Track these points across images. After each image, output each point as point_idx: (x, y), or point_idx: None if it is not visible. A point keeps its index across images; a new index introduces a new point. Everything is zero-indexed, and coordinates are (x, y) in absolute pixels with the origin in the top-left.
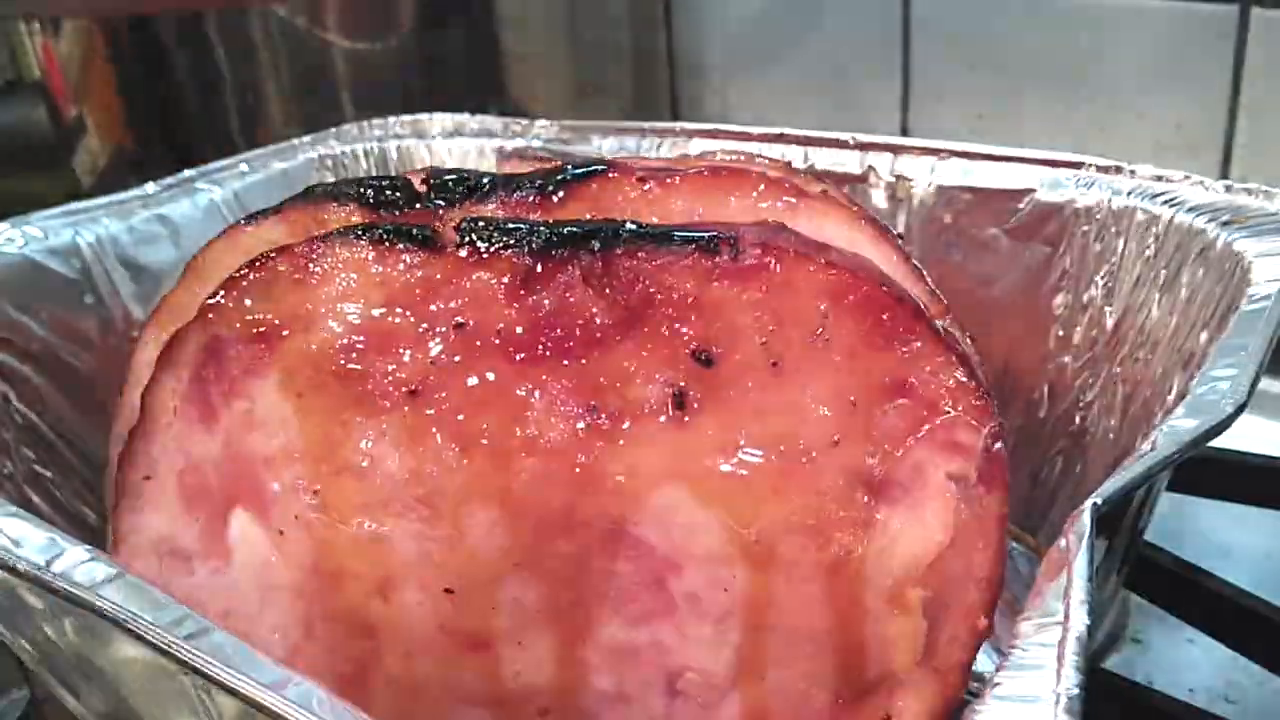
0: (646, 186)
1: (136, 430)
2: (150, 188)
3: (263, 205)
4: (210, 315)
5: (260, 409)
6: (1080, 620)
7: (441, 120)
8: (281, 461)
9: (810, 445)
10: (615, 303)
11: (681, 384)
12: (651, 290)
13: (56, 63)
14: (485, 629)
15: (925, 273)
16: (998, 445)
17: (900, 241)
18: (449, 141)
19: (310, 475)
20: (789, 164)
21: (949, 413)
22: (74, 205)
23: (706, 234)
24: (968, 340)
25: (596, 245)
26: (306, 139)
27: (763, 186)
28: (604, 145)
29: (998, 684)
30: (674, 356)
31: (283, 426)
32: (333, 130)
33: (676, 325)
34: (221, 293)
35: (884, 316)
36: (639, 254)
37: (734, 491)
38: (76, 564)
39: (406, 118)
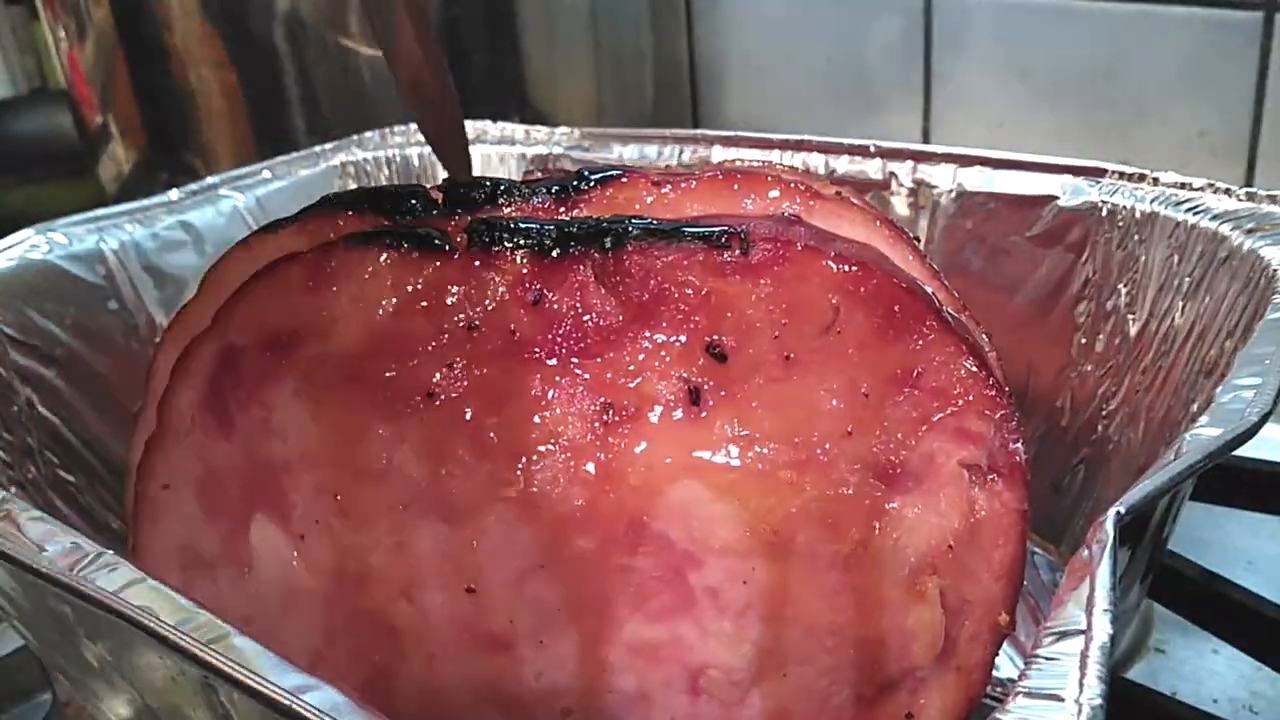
0: (663, 190)
1: (154, 440)
2: (174, 194)
3: (285, 212)
4: (224, 324)
5: (277, 416)
6: (1103, 629)
7: None
8: (301, 467)
9: (824, 437)
10: (627, 300)
11: (696, 380)
12: (663, 286)
13: (82, 70)
14: (507, 629)
15: (942, 275)
16: (1013, 436)
17: (917, 244)
18: (470, 149)
19: (330, 480)
20: (806, 170)
21: (959, 402)
22: (98, 212)
23: (716, 229)
24: (984, 335)
25: (607, 243)
26: (329, 146)
27: (777, 189)
28: (625, 152)
29: (1020, 692)
30: (687, 352)
31: (301, 433)
32: (355, 138)
33: (689, 321)
34: (235, 301)
35: (894, 308)
36: (650, 250)
37: (750, 484)
38: (100, 569)
39: None
